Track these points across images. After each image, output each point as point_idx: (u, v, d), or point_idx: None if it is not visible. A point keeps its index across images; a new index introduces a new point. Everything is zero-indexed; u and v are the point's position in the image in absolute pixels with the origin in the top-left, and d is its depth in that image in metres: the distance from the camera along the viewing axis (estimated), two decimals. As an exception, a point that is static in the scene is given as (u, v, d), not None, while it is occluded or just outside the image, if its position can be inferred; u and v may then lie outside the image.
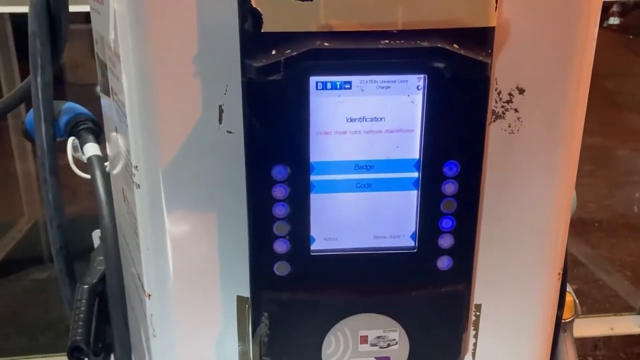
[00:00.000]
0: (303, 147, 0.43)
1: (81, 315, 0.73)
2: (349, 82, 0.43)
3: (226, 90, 0.43)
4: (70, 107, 0.85)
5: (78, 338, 0.72)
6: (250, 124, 0.42)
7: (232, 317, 0.49)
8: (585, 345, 1.92)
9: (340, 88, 0.43)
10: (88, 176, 0.75)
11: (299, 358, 0.48)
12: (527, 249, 0.49)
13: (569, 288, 0.73)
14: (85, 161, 0.77)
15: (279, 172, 0.43)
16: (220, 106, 0.43)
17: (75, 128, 0.81)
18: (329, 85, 0.42)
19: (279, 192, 0.44)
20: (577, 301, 0.78)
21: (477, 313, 0.50)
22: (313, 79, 0.42)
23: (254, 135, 0.42)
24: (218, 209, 0.46)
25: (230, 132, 0.44)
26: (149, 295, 0.49)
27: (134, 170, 0.46)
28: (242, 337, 0.49)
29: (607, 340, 1.92)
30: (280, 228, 0.44)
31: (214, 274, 0.47)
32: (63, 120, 0.82)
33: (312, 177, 0.44)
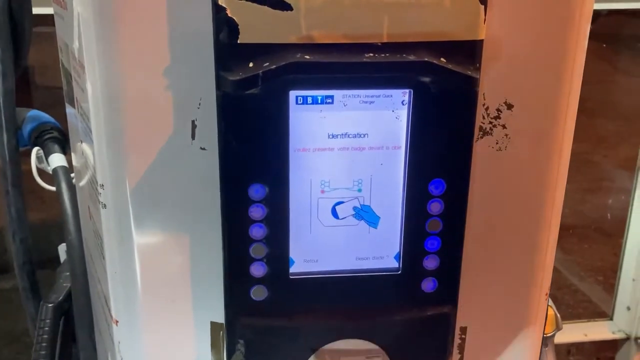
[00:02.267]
0: (282, 165, 0.41)
1: (45, 336, 0.70)
2: (331, 97, 0.40)
3: (200, 105, 0.41)
4: (34, 115, 0.81)
5: None
6: (226, 140, 0.40)
7: (206, 344, 0.46)
8: (559, 351, 1.93)
9: (322, 103, 0.41)
10: (53, 188, 0.72)
11: (276, 387, 0.46)
12: (515, 269, 0.48)
13: (550, 302, 0.72)
14: (51, 172, 0.73)
15: (256, 191, 0.41)
16: (193, 121, 0.41)
17: (40, 137, 0.77)
18: (309, 100, 0.40)
19: (256, 212, 0.41)
20: (558, 315, 0.77)
21: (463, 336, 0.49)
22: (293, 93, 0.40)
23: (230, 152, 0.40)
24: (191, 231, 0.43)
25: (203, 148, 0.42)
26: (117, 322, 0.46)
27: (99, 189, 0.43)
28: (216, 365, 0.47)
29: (580, 346, 1.94)
30: (257, 250, 0.42)
31: (187, 299, 0.45)
32: (27, 128, 0.79)
33: (291, 197, 0.42)
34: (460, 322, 0.48)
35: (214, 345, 0.46)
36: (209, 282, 0.44)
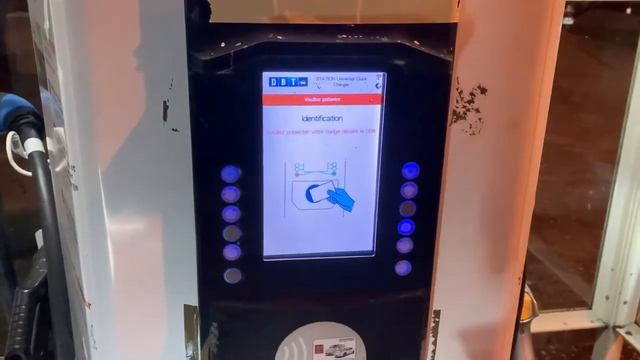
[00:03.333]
0: (255, 147, 0.41)
1: (20, 322, 0.69)
2: (305, 79, 0.40)
3: (171, 85, 0.40)
4: (10, 100, 0.79)
5: (17, 346, 0.68)
6: (198, 122, 0.39)
7: (179, 327, 0.46)
8: (539, 340, 1.95)
9: (296, 85, 0.40)
10: (29, 173, 0.71)
11: (250, 370, 0.45)
12: (487, 253, 0.48)
13: (527, 288, 0.73)
14: (27, 157, 0.72)
15: (229, 173, 0.41)
16: (164, 102, 0.40)
17: (15, 122, 0.76)
18: (283, 82, 0.40)
19: (229, 194, 0.41)
20: (535, 302, 0.78)
21: (437, 319, 0.49)
22: (266, 75, 0.39)
23: (202, 133, 0.40)
24: (163, 213, 0.43)
25: (175, 129, 0.41)
26: (89, 305, 0.45)
27: (71, 171, 0.42)
28: (190, 348, 0.46)
29: (559, 335, 1.96)
30: (230, 233, 0.42)
31: (159, 282, 0.44)
32: (2, 113, 0.77)
33: (265, 180, 0.41)
34: (434, 306, 0.48)
35: (188, 329, 0.46)
36: (182, 265, 0.44)
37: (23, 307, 0.70)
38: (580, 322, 1.76)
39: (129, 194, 0.42)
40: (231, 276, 0.43)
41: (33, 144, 0.72)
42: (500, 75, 0.43)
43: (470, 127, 0.44)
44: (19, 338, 0.68)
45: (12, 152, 0.74)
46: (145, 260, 0.44)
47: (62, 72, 0.40)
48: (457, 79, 0.43)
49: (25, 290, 0.71)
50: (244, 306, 0.44)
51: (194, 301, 0.45)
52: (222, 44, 0.37)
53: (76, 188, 0.42)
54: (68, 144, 0.42)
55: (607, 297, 1.72)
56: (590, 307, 1.78)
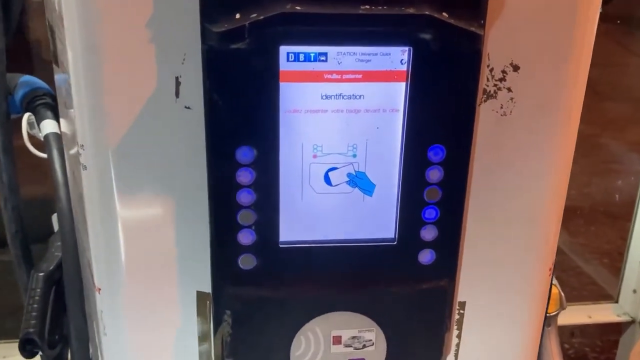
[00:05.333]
0: (271, 127, 0.39)
1: (35, 305, 0.68)
2: (325, 54, 0.38)
3: (184, 60, 0.38)
4: (27, 81, 0.78)
5: (31, 330, 0.67)
6: (212, 99, 0.37)
7: (192, 314, 0.45)
8: (562, 333, 1.92)
9: (315, 60, 0.38)
10: (45, 155, 0.70)
11: (265, 360, 0.44)
12: (517, 241, 0.45)
13: (554, 281, 0.70)
14: (42, 139, 0.71)
15: (244, 154, 0.39)
16: (177, 78, 0.39)
17: (31, 103, 0.75)
18: (301, 57, 0.38)
19: (244, 176, 0.39)
20: (562, 294, 0.75)
21: (461, 311, 0.47)
22: (283, 49, 0.37)
23: (216, 111, 0.38)
24: (175, 195, 0.41)
25: (188, 107, 0.39)
26: (99, 289, 0.44)
27: (80, 150, 0.41)
28: (202, 336, 0.45)
29: (583, 328, 1.92)
30: (245, 217, 0.40)
31: (171, 266, 0.43)
32: (19, 94, 0.76)
33: (282, 161, 0.40)
34: (459, 297, 0.46)
35: (200, 316, 0.44)
36: (195, 249, 0.43)
37: (38, 290, 0.69)
38: (605, 315, 1.73)
39: (140, 175, 0.41)
40: (245, 262, 0.41)
41: (49, 126, 0.71)
42: (534, 52, 0.41)
43: (501, 107, 0.42)
44: (33, 322, 0.67)
45: (28, 133, 0.73)
46: (157, 245, 0.43)
47: (70, 45, 0.38)
48: (488, 55, 0.40)
49: (41, 274, 0.70)
50: (259, 294, 0.42)
51: (207, 288, 0.43)
52: (237, 15, 0.35)
53: (85, 168, 0.41)
54: (77, 120, 0.40)
55: (634, 291, 1.67)
56: (616, 301, 1.74)
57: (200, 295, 0.44)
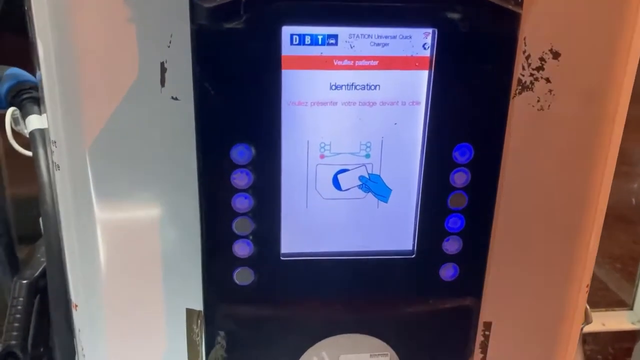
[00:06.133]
0: (272, 122, 0.35)
1: (17, 316, 0.65)
2: (334, 36, 0.34)
3: (170, 42, 0.34)
4: (14, 73, 0.75)
5: (12, 342, 0.63)
6: (203, 89, 0.33)
7: (180, 335, 0.41)
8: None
9: (323, 44, 0.34)
10: (29, 153, 0.66)
11: (263, 388, 0.39)
12: (552, 257, 0.41)
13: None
14: (28, 135, 0.67)
15: (240, 153, 0.35)
16: (162, 63, 0.35)
17: (17, 97, 0.71)
18: (307, 40, 0.34)
19: (241, 179, 0.35)
20: (588, 307, 0.70)
21: (487, 333, 0.43)
22: (286, 30, 0.33)
23: (208, 103, 0.34)
24: (161, 200, 0.38)
25: (175, 98, 0.35)
26: (76, 306, 0.39)
27: (53, 147, 0.36)
28: (192, 360, 0.40)
29: (596, 335, 1.89)
30: (241, 225, 0.36)
31: (157, 281, 0.39)
32: (4, 87, 0.72)
33: (284, 161, 0.36)
34: (484, 317, 0.42)
35: (190, 338, 0.40)
36: (184, 262, 0.39)
37: (21, 299, 0.66)
38: (619, 323, 1.70)
39: (120, 176, 0.37)
40: (242, 276, 0.37)
41: (35, 121, 0.67)
42: (577, 37, 0.36)
43: (538, 101, 0.37)
44: (15, 333, 0.64)
45: (13, 129, 0.69)
46: (141, 256, 0.39)
47: (39, 26, 0.34)
48: (525, 39, 0.36)
49: (24, 281, 0.66)
50: (257, 312, 0.39)
51: (198, 305, 0.39)
52: (232, -11, 0.30)
53: (58, 167, 0.36)
54: (49, 114, 0.35)
55: (650, 298, 1.63)
56: (631, 308, 1.71)
57: (190, 314, 0.40)
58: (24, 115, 0.69)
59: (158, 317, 0.39)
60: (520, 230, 0.40)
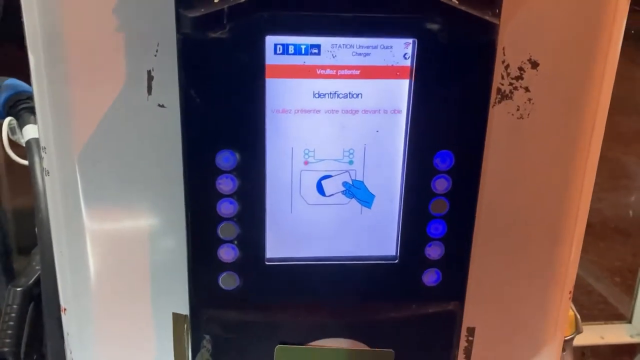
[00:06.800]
0: (256, 129, 0.35)
1: (11, 323, 0.65)
2: (317, 46, 0.34)
3: (157, 51, 0.35)
4: (11, 84, 0.76)
5: (5, 349, 0.63)
6: (188, 97, 0.34)
7: (167, 339, 0.41)
8: (573, 353, 1.86)
9: (306, 53, 0.35)
10: (26, 162, 0.66)
11: (249, 392, 0.40)
12: (534, 262, 0.41)
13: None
14: (24, 145, 0.68)
15: (225, 159, 0.35)
16: (149, 72, 0.35)
17: (14, 107, 0.72)
18: (291, 49, 0.34)
19: (226, 184, 0.36)
20: (578, 316, 0.71)
21: (470, 338, 0.43)
22: (270, 40, 0.34)
23: (194, 111, 0.34)
24: (148, 205, 0.38)
25: (162, 105, 0.36)
26: (64, 310, 0.40)
27: (42, 153, 0.36)
28: (178, 364, 0.40)
29: (595, 349, 1.88)
30: (226, 230, 0.37)
31: (145, 286, 0.39)
32: (2, 98, 0.73)
33: (268, 168, 0.36)
34: (467, 322, 0.42)
35: (177, 341, 0.40)
36: (171, 266, 0.39)
37: (15, 306, 0.66)
38: (618, 336, 1.69)
39: (108, 182, 0.37)
40: (227, 281, 0.38)
41: (32, 131, 0.68)
42: (556, 47, 0.37)
43: (518, 110, 0.38)
44: (8, 340, 0.64)
45: (9, 138, 0.70)
46: (129, 261, 0.39)
47: (29, 32, 0.34)
48: (503, 49, 0.36)
49: (18, 289, 0.67)
50: (242, 317, 0.39)
51: (184, 309, 0.39)
52: (216, -1, 0.31)
53: (48, 173, 0.37)
54: (39, 120, 0.36)
55: (648, 311, 1.62)
56: (629, 321, 1.70)
57: (177, 318, 0.40)
58: (21, 125, 0.70)
59: (146, 321, 0.40)
60: (502, 236, 0.40)
